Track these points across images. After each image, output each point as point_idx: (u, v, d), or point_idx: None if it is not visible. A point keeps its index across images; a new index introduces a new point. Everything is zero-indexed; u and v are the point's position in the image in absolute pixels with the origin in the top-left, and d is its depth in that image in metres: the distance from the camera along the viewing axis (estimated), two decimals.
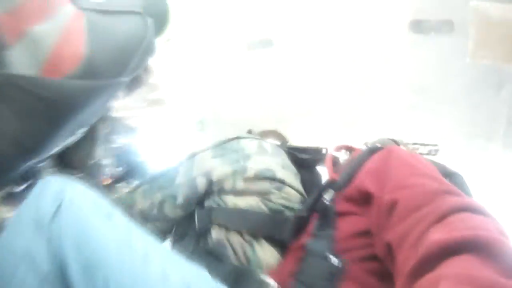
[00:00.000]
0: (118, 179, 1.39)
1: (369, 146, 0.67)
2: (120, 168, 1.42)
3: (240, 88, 1.58)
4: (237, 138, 0.80)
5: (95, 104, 0.73)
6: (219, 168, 0.74)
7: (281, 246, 0.68)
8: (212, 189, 0.75)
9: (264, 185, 0.72)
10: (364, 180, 0.57)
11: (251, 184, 0.72)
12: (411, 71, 1.20)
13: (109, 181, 1.33)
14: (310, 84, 1.40)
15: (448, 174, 0.62)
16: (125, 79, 0.76)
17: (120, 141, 1.44)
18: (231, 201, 0.72)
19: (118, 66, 0.72)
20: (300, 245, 0.61)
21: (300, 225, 0.65)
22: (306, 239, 0.60)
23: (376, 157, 0.62)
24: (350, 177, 0.61)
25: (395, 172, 0.54)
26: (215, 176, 0.73)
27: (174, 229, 0.81)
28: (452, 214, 0.41)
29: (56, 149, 0.80)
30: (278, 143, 0.90)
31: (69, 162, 1.02)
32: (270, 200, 0.71)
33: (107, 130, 1.21)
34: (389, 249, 0.46)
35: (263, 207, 0.71)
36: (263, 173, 0.72)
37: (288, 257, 0.64)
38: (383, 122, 1.27)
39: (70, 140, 0.84)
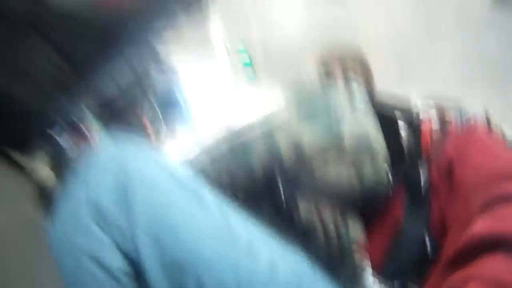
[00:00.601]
0: (157, 124, 1.26)
1: (463, 121, 0.65)
2: (156, 112, 1.28)
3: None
4: (324, 90, 0.71)
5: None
6: (311, 138, 0.66)
7: (365, 220, 0.65)
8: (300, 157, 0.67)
9: (359, 155, 0.64)
10: (450, 153, 0.56)
11: (344, 154, 0.64)
12: (486, 41, 1.17)
13: (150, 128, 1.21)
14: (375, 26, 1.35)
15: None
16: None
17: (158, 81, 1.27)
18: (320, 170, 0.65)
19: None
20: (389, 221, 0.60)
21: (388, 200, 0.63)
22: (397, 216, 0.59)
23: (462, 133, 0.61)
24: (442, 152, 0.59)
25: (470, 154, 0.53)
26: (306, 148, 0.65)
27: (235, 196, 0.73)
28: (501, 203, 0.40)
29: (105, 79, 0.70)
30: (360, 80, 0.82)
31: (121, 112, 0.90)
32: (362, 172, 0.64)
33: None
34: (443, 228, 0.47)
35: (355, 180, 0.64)
36: (359, 142, 0.64)
37: (375, 233, 0.63)
38: (438, 81, 1.24)
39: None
